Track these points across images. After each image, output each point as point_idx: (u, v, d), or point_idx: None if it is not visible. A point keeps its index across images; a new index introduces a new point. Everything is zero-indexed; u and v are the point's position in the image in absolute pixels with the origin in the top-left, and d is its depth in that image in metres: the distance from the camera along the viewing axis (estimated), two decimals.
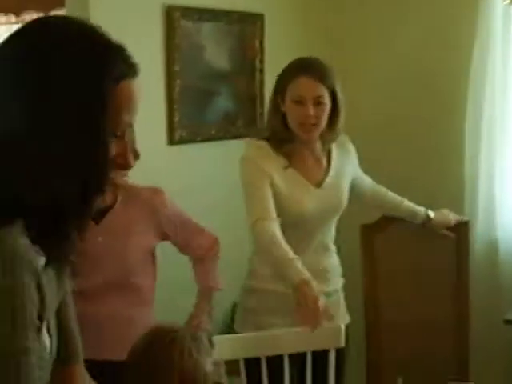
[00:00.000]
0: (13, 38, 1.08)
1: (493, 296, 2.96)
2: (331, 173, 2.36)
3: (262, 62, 3.17)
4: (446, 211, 2.63)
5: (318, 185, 2.34)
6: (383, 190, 2.58)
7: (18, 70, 1.02)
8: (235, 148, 2.72)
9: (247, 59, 3.15)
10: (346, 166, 2.42)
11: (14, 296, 1.02)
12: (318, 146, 2.34)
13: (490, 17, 3.01)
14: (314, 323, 2.01)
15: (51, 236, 1.12)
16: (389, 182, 2.65)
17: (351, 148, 2.47)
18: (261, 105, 3.15)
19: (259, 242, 2.26)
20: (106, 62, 1.01)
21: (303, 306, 2.02)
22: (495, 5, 2.92)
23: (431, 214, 2.56)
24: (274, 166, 2.27)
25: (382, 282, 2.70)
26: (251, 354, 2.07)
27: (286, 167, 2.27)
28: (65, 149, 1.03)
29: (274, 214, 2.19)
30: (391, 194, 2.57)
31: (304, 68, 2.25)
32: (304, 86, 2.22)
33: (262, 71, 3.15)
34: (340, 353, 2.18)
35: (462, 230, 2.71)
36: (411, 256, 2.77)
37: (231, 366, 1.95)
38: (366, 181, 2.54)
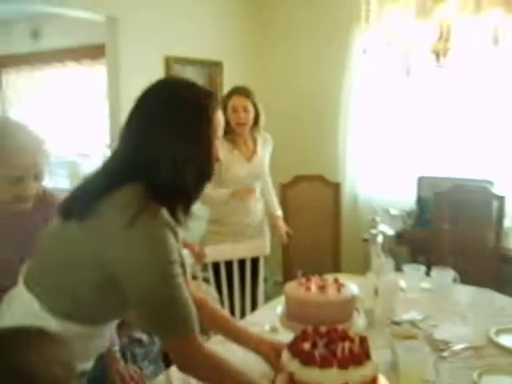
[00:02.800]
0: (154, 90, 1.61)
1: (354, 225, 4.41)
2: (256, 154, 3.47)
3: (221, 90, 4.46)
4: (281, 223, 3.68)
5: (248, 160, 3.45)
6: (271, 192, 3.69)
7: (165, 113, 1.54)
8: None
9: (214, 88, 4.46)
10: (265, 152, 3.55)
11: (171, 249, 1.51)
12: (248, 137, 3.47)
13: (352, 61, 4.40)
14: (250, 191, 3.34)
15: (181, 212, 1.61)
16: (294, 157, 4.13)
17: (270, 142, 3.59)
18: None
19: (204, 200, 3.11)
20: (210, 104, 1.56)
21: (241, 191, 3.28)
22: (356, 53, 4.27)
23: (279, 214, 3.68)
24: (225, 149, 3.19)
25: (292, 216, 4.15)
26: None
27: (231, 150, 3.38)
28: (195, 154, 1.56)
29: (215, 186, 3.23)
30: (272, 199, 3.69)
31: (237, 91, 3.39)
32: (237, 100, 3.35)
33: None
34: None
35: (337, 186, 4.39)
36: (309, 200, 4.25)
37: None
38: (265, 171, 3.58)
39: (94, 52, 5.15)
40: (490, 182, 4.03)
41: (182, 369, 1.60)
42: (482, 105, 4.15)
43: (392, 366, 1.95)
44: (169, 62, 4.18)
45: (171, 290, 1.50)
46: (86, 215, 1.53)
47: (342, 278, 2.23)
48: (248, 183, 3.49)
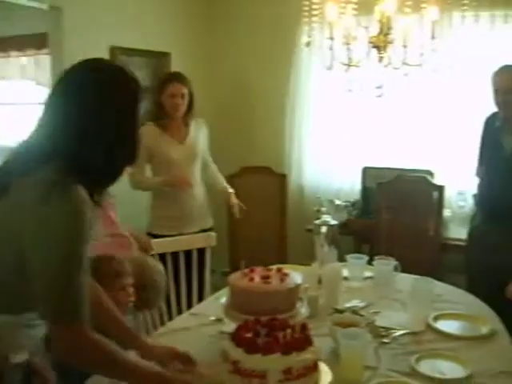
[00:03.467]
0: (74, 69, 1.59)
1: (299, 216, 4.45)
2: (189, 137, 3.56)
3: None
4: (234, 199, 3.75)
5: (181, 143, 3.53)
6: (216, 172, 3.78)
7: (92, 94, 1.54)
8: None
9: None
10: (199, 135, 3.62)
11: (83, 220, 1.48)
12: (181, 122, 3.55)
13: (300, 58, 4.51)
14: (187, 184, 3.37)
15: (100, 187, 1.62)
16: (241, 149, 4.18)
17: (203, 125, 3.68)
18: None
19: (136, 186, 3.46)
20: (137, 90, 1.61)
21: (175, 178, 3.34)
22: (302, 51, 4.38)
23: (231, 191, 3.77)
24: (154, 134, 3.44)
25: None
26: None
27: (162, 134, 3.48)
28: (116, 136, 1.57)
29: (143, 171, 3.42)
30: (219, 177, 3.80)
31: (175, 77, 3.52)
32: (176, 86, 3.46)
33: None
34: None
35: (283, 177, 4.44)
36: (255, 191, 4.28)
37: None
38: (206, 154, 3.71)
39: (38, 41, 5.06)
40: (431, 173, 4.14)
41: (66, 356, 1.52)
42: (422, 97, 4.27)
43: (333, 353, 2.01)
44: (114, 52, 4.10)
45: (73, 270, 1.47)
46: (4, 193, 1.53)
47: (287, 268, 2.28)
48: (184, 165, 3.55)
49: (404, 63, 2.27)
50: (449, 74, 3.94)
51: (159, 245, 3.14)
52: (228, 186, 3.84)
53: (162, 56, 4.55)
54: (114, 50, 4.09)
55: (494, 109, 3.26)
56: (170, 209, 3.55)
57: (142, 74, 4.31)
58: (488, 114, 3.37)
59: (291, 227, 4.45)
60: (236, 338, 1.70)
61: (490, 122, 3.33)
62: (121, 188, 1.78)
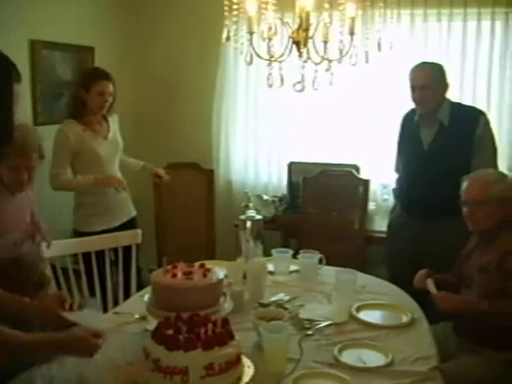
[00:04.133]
0: None
1: (227, 212, 4.43)
2: (110, 131, 3.57)
3: None
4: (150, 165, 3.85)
5: (105, 138, 3.53)
6: (124, 156, 3.77)
7: None
8: None
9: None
10: (116, 129, 3.63)
11: None
12: (100, 117, 3.53)
13: (225, 55, 4.51)
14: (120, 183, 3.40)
15: None
16: (167, 145, 4.16)
17: (116, 117, 3.66)
18: None
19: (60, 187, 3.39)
20: (11, 72, 1.59)
21: (108, 177, 3.39)
22: (227, 48, 4.33)
23: (143, 163, 3.84)
24: (78, 131, 3.37)
25: (166, 204, 4.21)
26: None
27: (85, 130, 3.42)
28: None
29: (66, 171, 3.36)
30: (129, 159, 3.82)
31: (104, 75, 3.44)
32: (105, 85, 3.41)
33: None
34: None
35: (210, 173, 4.43)
36: (183, 187, 4.24)
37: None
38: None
39: None
40: (356, 167, 4.22)
41: None
42: (346, 93, 4.35)
43: (257, 347, 2.02)
44: (35, 46, 3.98)
45: None
46: None
47: (212, 263, 2.27)
48: (109, 161, 3.58)
49: (324, 58, 2.29)
50: (371, 70, 4.04)
51: (85, 243, 3.08)
52: (139, 161, 3.91)
53: (86, 50, 4.47)
54: (34, 43, 3.97)
55: (413, 105, 3.36)
56: (96, 205, 3.53)
57: (65, 68, 4.28)
58: (406, 110, 3.47)
59: (219, 223, 4.44)
60: (157, 335, 1.69)
61: (408, 118, 3.43)
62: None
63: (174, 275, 2.02)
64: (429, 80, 3.18)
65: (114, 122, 3.68)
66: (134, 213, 3.76)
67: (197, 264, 2.15)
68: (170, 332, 1.68)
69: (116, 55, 4.73)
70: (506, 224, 2.49)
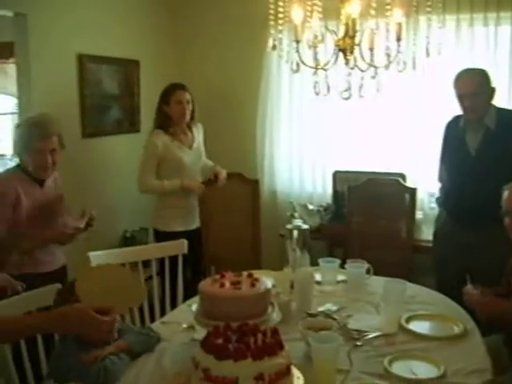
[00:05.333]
0: None
1: (273, 221, 4.44)
2: (195, 141, 3.91)
3: (138, 88, 4.56)
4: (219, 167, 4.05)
5: (190, 148, 3.88)
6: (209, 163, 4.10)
7: None
8: (122, 140, 4.31)
9: (129, 87, 4.50)
10: (200, 138, 3.97)
11: None
12: (185, 127, 3.87)
13: (269, 63, 4.55)
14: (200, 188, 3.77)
15: None
16: (212, 155, 4.17)
17: (201, 128, 4.01)
18: (137, 114, 4.58)
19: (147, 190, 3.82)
20: None
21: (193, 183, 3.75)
22: (272, 56, 4.37)
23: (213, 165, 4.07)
24: (166, 142, 3.74)
25: (211, 213, 4.16)
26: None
27: (172, 140, 3.78)
28: None
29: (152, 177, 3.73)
30: (212, 164, 4.09)
31: (179, 86, 3.79)
32: (181, 94, 3.76)
33: (138, 95, 4.57)
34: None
35: (255, 183, 4.42)
36: (228, 198, 4.23)
37: None
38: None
39: (4, 50, 5.03)
40: (403, 175, 4.17)
41: None
42: (392, 101, 4.30)
43: (306, 358, 1.99)
44: (82, 60, 4.06)
45: None
46: None
47: (260, 273, 2.26)
48: (193, 169, 3.92)
49: (371, 65, 2.27)
50: (417, 77, 3.99)
51: (132, 253, 3.11)
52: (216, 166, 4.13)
53: (131, 63, 4.55)
54: (81, 57, 4.06)
55: (456, 113, 3.31)
56: (179, 208, 3.87)
57: (111, 82, 4.36)
58: (449, 118, 3.42)
59: (264, 233, 4.40)
60: (206, 344, 1.68)
61: (451, 125, 3.38)
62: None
63: (222, 285, 2.02)
64: (477, 87, 3.13)
65: (198, 131, 4.00)
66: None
67: (244, 273, 2.14)
68: (220, 341, 1.66)
69: (160, 67, 4.80)
70: None
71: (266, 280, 2.11)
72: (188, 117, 3.83)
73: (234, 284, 2.02)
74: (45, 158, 2.86)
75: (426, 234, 4.04)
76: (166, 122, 3.79)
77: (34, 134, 2.84)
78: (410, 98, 4.26)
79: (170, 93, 3.79)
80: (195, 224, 4.01)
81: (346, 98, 2.27)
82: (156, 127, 3.82)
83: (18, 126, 3.01)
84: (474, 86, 3.13)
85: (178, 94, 3.78)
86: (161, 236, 3.83)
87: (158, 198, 3.91)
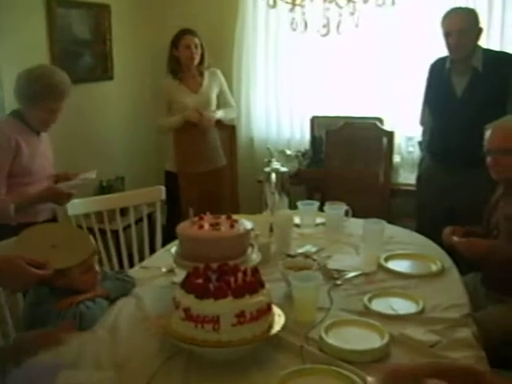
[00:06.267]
0: None
1: (250, 168, 4.45)
2: (203, 86, 4.04)
3: (110, 34, 4.40)
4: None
5: (195, 92, 4.03)
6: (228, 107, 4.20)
7: None
8: (95, 87, 4.21)
9: (100, 33, 4.35)
10: (213, 84, 4.09)
11: None
12: (195, 72, 4.03)
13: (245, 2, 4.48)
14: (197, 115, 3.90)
15: None
16: None
17: (218, 75, 4.14)
18: (110, 61, 4.43)
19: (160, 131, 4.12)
20: None
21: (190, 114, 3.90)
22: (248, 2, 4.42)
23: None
24: (172, 85, 3.97)
25: (191, 160, 4.16)
26: None
27: (179, 84, 3.99)
28: None
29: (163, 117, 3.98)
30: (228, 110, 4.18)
31: (188, 31, 3.94)
32: (189, 38, 3.93)
33: (110, 41, 4.42)
34: None
35: (232, 129, 4.37)
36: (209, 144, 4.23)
37: None
38: (226, 98, 4.21)
39: None
40: (380, 119, 4.15)
41: None
42: (372, 41, 4.25)
43: (287, 297, 2.00)
44: (50, 4, 3.91)
45: None
46: None
47: (239, 217, 2.24)
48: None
49: (349, 0, 2.22)
50: (397, 14, 3.95)
51: (108, 201, 3.08)
52: (221, 113, 4.17)
53: (102, 8, 4.40)
54: (49, 2, 3.90)
55: (440, 55, 3.28)
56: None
57: (82, 27, 4.21)
58: (433, 59, 3.39)
59: (242, 179, 4.40)
60: (186, 284, 1.67)
61: (437, 67, 3.34)
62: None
63: (201, 226, 2.00)
64: (464, 24, 3.11)
65: (212, 77, 4.13)
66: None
67: (223, 216, 2.12)
68: (200, 281, 1.66)
69: (132, 12, 4.67)
70: None
71: (246, 221, 2.09)
72: (197, 61, 3.99)
73: (213, 225, 2.01)
74: (52, 117, 2.84)
75: (404, 177, 4.05)
76: (176, 66, 4.00)
77: (49, 93, 2.76)
78: (388, 37, 4.21)
79: (179, 38, 3.96)
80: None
81: (324, 35, 2.21)
82: (168, 72, 4.03)
83: (27, 77, 2.80)
84: (461, 22, 3.11)
85: (187, 38, 3.94)
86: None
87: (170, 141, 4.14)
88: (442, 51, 3.28)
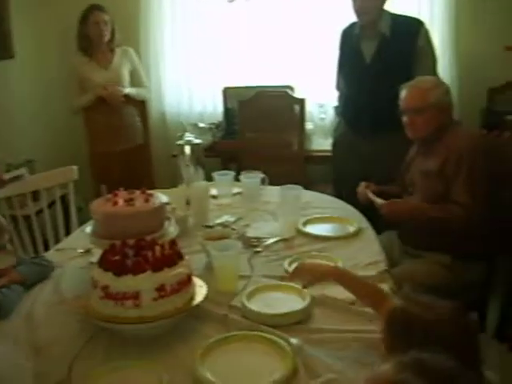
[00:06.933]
0: None
1: (164, 143, 4.36)
2: (113, 63, 3.97)
3: (7, 11, 4.03)
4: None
5: (105, 68, 3.96)
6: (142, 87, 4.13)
7: None
8: None
9: None
10: (124, 61, 4.02)
11: None
12: (106, 48, 3.95)
13: None
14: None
15: None
16: None
17: (131, 52, 4.08)
18: (9, 39, 4.08)
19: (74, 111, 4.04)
20: None
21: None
22: None
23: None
24: (83, 62, 3.92)
25: (99, 137, 4.10)
26: None
27: (90, 61, 3.93)
28: None
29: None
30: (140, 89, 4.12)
31: (96, 7, 3.87)
32: (98, 15, 3.86)
33: (8, 18, 4.03)
34: None
35: (142, 104, 4.25)
36: (125, 122, 4.08)
37: None
38: (140, 77, 4.12)
39: None
40: (291, 87, 4.16)
41: None
42: (278, 12, 4.25)
43: (207, 268, 1.99)
44: None
45: None
46: None
47: (154, 192, 2.20)
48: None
49: None
50: None
51: (18, 186, 2.96)
52: (130, 89, 4.07)
53: None
54: None
55: (351, 20, 3.30)
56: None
57: None
58: (345, 25, 3.40)
59: (155, 155, 4.33)
60: (103, 262, 1.63)
61: (347, 33, 3.36)
62: None
63: (115, 203, 1.96)
64: None
65: (122, 55, 4.04)
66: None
67: (138, 191, 2.08)
68: (117, 258, 1.62)
69: None
70: (445, 128, 2.51)
71: (161, 195, 2.06)
72: (107, 38, 3.91)
73: (128, 201, 1.96)
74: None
75: (317, 144, 4.10)
76: (85, 43, 3.92)
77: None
78: (296, 8, 4.21)
79: (87, 14, 3.87)
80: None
81: (231, 1, 2.17)
82: (77, 49, 3.95)
83: None
84: None
85: (95, 14, 3.85)
86: None
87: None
88: (353, 16, 3.28)
